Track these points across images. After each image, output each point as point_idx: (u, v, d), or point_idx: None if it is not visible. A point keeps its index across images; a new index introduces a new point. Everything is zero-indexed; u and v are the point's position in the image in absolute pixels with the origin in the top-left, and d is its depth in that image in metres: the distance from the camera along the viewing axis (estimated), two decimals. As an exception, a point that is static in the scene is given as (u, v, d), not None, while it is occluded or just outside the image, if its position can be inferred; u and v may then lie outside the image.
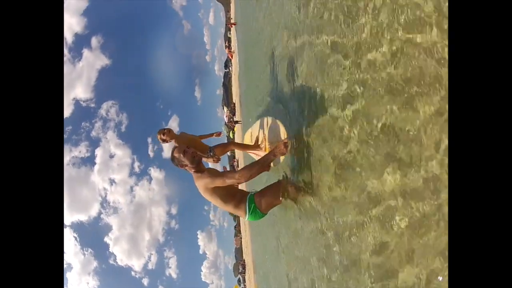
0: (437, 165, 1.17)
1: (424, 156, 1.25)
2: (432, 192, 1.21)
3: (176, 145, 4.05)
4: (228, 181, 2.84)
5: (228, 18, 46.27)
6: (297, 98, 3.16)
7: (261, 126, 4.80)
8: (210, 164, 4.53)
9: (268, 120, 4.47)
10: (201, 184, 2.91)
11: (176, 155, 2.93)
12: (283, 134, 3.83)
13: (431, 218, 1.21)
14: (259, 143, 4.76)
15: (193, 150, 2.94)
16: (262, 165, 2.91)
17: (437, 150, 1.17)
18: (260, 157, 3.05)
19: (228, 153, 5.07)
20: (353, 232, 1.85)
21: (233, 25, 32.12)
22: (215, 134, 5.33)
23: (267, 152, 4.09)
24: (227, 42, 40.38)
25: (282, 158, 3.60)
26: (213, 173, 2.93)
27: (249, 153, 5.32)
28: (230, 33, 41.46)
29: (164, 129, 4.48)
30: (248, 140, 5.34)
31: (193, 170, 2.91)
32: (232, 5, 40.93)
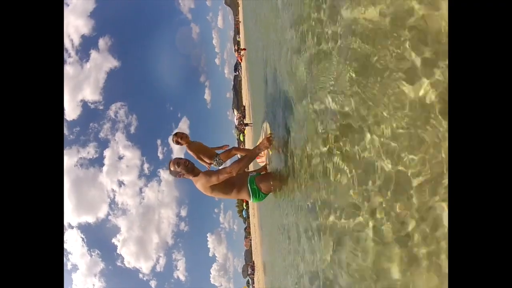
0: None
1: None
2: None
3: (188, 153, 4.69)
4: (222, 177, 3.17)
5: (236, 21, 46.52)
6: (284, 105, 3.46)
7: (261, 131, 5.29)
8: (207, 167, 5.03)
9: (266, 125, 4.93)
10: (200, 185, 3.24)
11: (172, 168, 3.31)
12: (268, 131, 4.42)
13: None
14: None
15: (185, 160, 3.31)
16: (249, 158, 3.36)
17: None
18: (254, 153, 3.52)
19: (239, 156, 5.64)
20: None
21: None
22: (224, 147, 5.72)
23: (265, 155, 4.60)
24: (236, 46, 40.66)
25: (270, 152, 4.18)
26: (208, 173, 3.25)
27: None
28: (239, 37, 41.71)
29: (183, 133, 4.99)
30: None
31: (191, 176, 3.27)
32: (240, 9, 41.21)
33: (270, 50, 4.81)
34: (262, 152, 5.06)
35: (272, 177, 3.68)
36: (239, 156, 5.50)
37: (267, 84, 5.43)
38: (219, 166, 5.00)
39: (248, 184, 3.42)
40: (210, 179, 3.16)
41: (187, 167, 3.23)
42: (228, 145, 5.85)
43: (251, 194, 3.41)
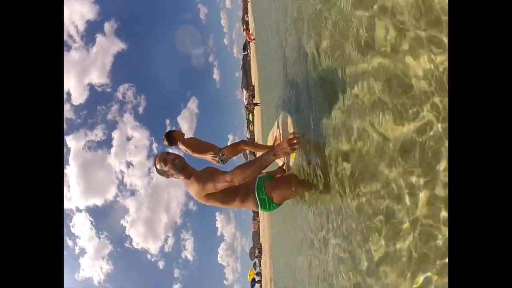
0: None
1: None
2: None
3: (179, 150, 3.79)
4: (220, 186, 2.45)
5: (244, 1, 45.46)
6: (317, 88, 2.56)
7: (277, 125, 4.23)
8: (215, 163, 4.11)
9: (283, 117, 3.93)
10: (192, 191, 2.55)
11: (158, 166, 2.60)
12: (290, 128, 3.36)
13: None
14: (274, 143, 4.25)
15: (173, 156, 2.59)
16: (259, 166, 2.45)
17: None
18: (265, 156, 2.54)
19: (248, 151, 4.48)
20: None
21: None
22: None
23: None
24: (244, 25, 40.09)
25: (292, 160, 3.17)
26: (204, 178, 2.51)
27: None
28: (247, 16, 40.95)
29: (175, 130, 4.16)
30: (270, 143, 4.73)
31: (182, 177, 2.59)
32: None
33: (288, 24, 4.06)
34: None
35: (291, 181, 2.85)
36: (248, 152, 4.54)
37: (284, 62, 4.45)
38: (223, 163, 4.09)
39: (256, 192, 2.61)
40: (204, 186, 2.45)
41: (175, 165, 2.53)
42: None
43: (259, 204, 2.62)
